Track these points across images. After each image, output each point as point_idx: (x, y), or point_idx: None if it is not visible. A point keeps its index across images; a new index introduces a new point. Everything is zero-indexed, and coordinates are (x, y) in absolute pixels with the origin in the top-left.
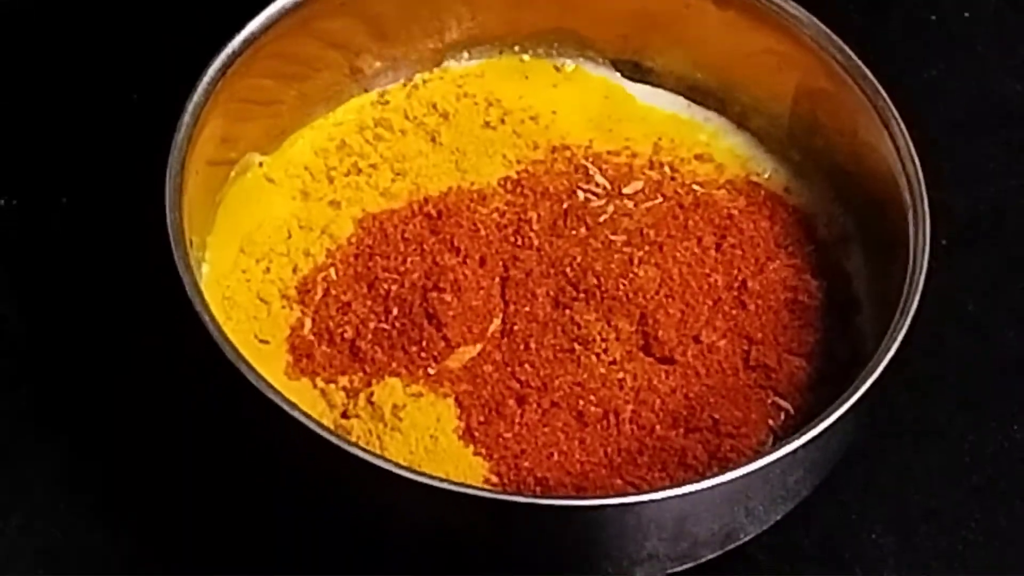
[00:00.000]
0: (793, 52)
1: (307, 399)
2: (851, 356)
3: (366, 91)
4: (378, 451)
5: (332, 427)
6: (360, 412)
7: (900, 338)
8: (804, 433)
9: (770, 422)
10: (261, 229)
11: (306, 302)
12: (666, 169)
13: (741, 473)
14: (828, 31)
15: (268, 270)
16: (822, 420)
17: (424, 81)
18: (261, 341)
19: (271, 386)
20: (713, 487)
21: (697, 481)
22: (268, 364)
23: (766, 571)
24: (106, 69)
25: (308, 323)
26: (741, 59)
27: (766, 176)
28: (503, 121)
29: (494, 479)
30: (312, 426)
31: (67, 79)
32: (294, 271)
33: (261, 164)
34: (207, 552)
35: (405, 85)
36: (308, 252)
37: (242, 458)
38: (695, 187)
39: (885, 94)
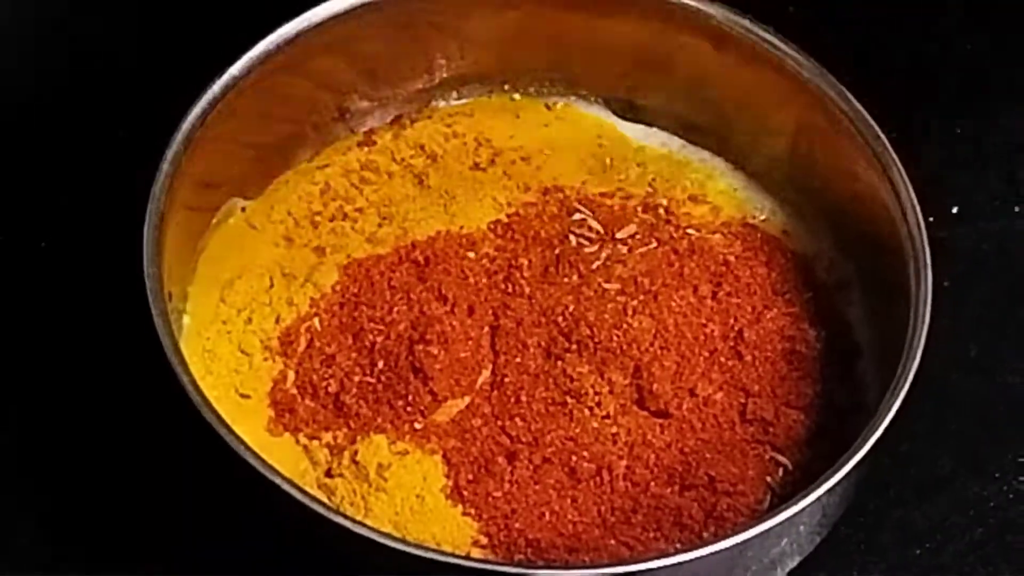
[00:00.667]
0: (790, 93)
1: (289, 456)
2: (851, 405)
3: (352, 132)
4: (363, 512)
5: (315, 486)
6: (344, 471)
7: (902, 395)
8: (804, 496)
9: (768, 479)
10: (242, 278)
11: (289, 354)
12: (660, 212)
13: (739, 540)
14: (826, 72)
15: (250, 320)
16: (823, 482)
17: (412, 120)
18: (242, 395)
19: (252, 450)
20: (711, 553)
21: (693, 541)
22: (249, 419)
23: None
24: (90, 106)
25: (291, 376)
26: (737, 100)
27: (763, 218)
28: (493, 162)
29: (483, 540)
30: (295, 493)
31: (50, 118)
32: (276, 321)
33: (243, 209)
34: None
35: (392, 124)
36: (291, 301)
37: (226, 519)
38: (690, 231)
39: (885, 138)
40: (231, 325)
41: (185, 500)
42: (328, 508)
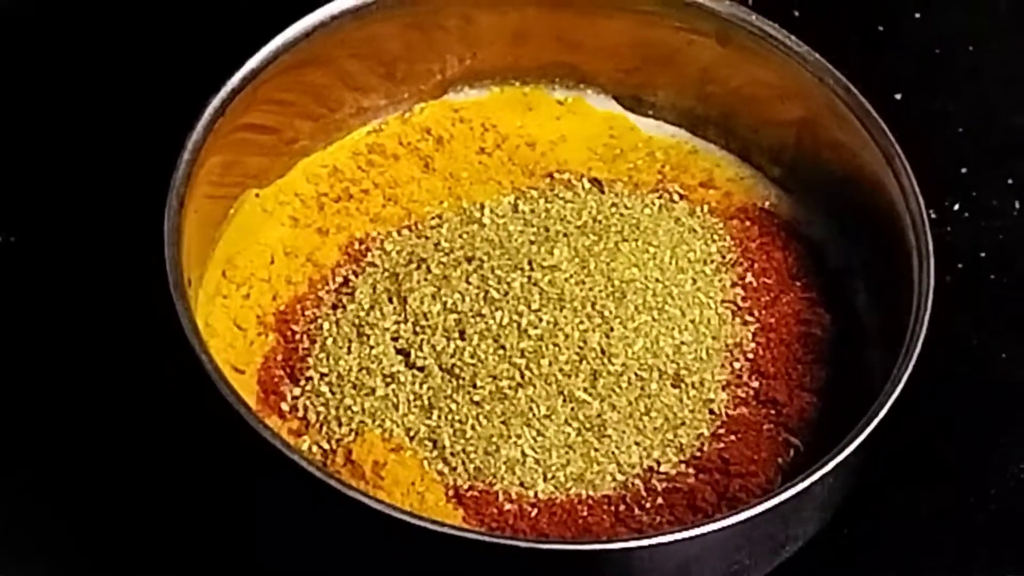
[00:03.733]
0: (795, 88)
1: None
2: (861, 391)
3: (364, 125)
4: None
5: None
6: (340, 470)
7: (904, 380)
8: (808, 476)
9: (779, 460)
10: (244, 254)
11: (283, 331)
12: (674, 196)
13: (744, 517)
14: (831, 67)
15: (248, 296)
16: (826, 463)
17: (422, 110)
18: (237, 370)
19: (279, 437)
20: (716, 531)
21: (702, 524)
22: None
23: None
24: (113, 97)
25: (281, 355)
26: (743, 94)
27: (770, 204)
28: (499, 147)
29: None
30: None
31: (73, 107)
32: (274, 298)
33: (257, 195)
34: None
35: (404, 115)
36: (290, 280)
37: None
38: (709, 216)
39: (888, 131)
40: (230, 300)
41: (202, 482)
42: (351, 487)
